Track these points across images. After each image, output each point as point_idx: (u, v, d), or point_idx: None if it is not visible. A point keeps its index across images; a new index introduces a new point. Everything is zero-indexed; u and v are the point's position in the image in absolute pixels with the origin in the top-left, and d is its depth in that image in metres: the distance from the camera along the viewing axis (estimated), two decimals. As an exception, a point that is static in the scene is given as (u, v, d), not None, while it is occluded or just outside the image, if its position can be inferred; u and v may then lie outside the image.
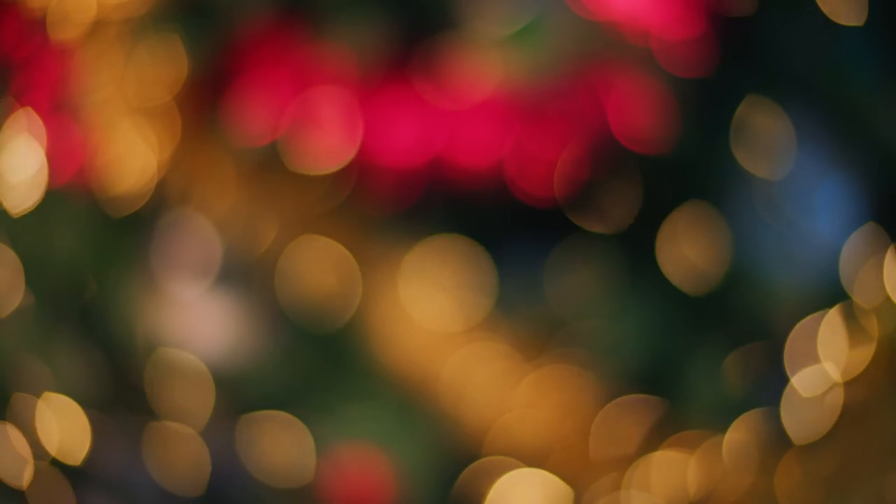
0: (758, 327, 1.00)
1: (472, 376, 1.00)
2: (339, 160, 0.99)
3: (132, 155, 0.99)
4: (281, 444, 1.01)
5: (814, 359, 0.98)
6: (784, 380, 0.98)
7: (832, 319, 0.98)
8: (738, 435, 0.99)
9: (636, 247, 1.01)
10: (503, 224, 1.02)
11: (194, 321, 1.02)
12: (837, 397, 0.97)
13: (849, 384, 0.97)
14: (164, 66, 0.99)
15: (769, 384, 0.99)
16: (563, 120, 0.99)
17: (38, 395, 0.99)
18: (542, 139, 0.99)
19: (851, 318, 0.97)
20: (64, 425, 1.00)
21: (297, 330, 1.02)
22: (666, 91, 0.99)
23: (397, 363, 1.01)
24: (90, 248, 1.02)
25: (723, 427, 0.99)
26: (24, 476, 0.99)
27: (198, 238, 1.02)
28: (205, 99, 1.00)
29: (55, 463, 1.00)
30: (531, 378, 1.00)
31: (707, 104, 1.00)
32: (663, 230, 1.01)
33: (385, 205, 1.00)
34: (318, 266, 1.01)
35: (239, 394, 1.02)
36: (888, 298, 0.97)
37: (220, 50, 1.00)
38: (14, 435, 0.99)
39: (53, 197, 0.99)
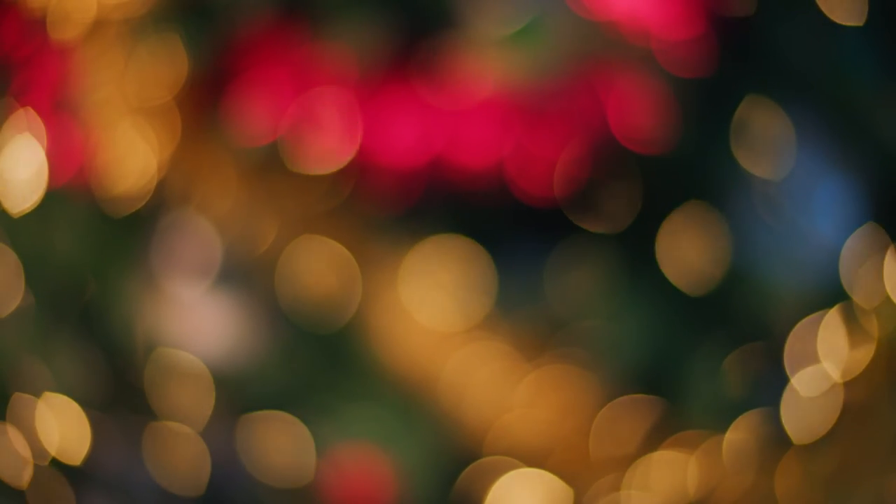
0: (758, 327, 1.00)
1: (473, 376, 1.00)
2: (339, 160, 0.99)
3: (132, 155, 0.99)
4: (281, 444, 1.01)
5: (814, 359, 0.98)
6: (784, 380, 0.98)
7: (832, 319, 0.98)
8: (738, 435, 0.99)
9: (636, 247, 1.01)
10: (503, 224, 1.02)
11: (194, 321, 1.02)
12: (837, 397, 0.97)
13: (849, 384, 0.97)
14: (164, 66, 0.99)
15: (769, 384, 0.99)
16: (563, 120, 0.99)
17: (38, 395, 0.99)
18: (542, 139, 0.99)
19: (851, 319, 0.98)
20: (64, 425, 1.00)
21: (297, 330, 1.02)
22: (666, 91, 0.99)
23: (397, 363, 1.01)
24: (90, 248, 1.02)
25: (723, 427, 0.99)
26: (24, 476, 0.99)
27: (198, 238, 1.02)
28: (205, 99, 1.00)
29: (55, 463, 1.00)
30: (531, 378, 1.00)
31: (707, 104, 1.00)
32: (663, 230, 1.01)
33: (385, 205, 1.00)
34: (318, 266, 1.01)
35: (239, 394, 1.02)
36: (888, 298, 0.97)
37: (220, 50, 1.00)
38: (14, 435, 0.99)
39: (53, 197, 0.99)
